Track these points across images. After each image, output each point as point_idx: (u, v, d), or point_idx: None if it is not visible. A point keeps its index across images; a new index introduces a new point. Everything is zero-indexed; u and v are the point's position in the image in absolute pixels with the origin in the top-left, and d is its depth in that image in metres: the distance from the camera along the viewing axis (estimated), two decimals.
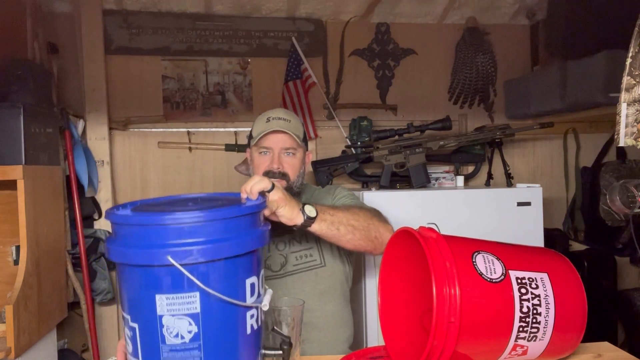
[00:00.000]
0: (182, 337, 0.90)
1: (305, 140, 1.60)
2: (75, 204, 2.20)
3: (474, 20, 2.73)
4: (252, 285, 0.96)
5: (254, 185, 1.09)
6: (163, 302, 0.89)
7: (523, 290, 1.03)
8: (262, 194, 1.10)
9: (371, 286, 2.09)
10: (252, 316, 0.96)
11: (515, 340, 1.03)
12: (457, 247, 1.05)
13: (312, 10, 2.60)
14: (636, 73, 1.11)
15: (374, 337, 2.07)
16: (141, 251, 0.89)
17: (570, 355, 1.16)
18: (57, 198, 2.02)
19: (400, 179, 2.36)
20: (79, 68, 2.43)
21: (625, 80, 1.12)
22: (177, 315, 0.89)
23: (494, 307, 1.02)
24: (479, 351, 1.02)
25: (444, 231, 1.14)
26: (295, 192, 1.54)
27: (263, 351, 1.03)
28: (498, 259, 1.06)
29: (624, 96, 1.13)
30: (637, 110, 1.12)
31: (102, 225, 2.40)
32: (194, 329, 0.90)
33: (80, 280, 2.19)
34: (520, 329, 1.02)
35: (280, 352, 1.05)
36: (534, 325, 1.03)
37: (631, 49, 1.12)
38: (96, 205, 2.40)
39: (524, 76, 2.71)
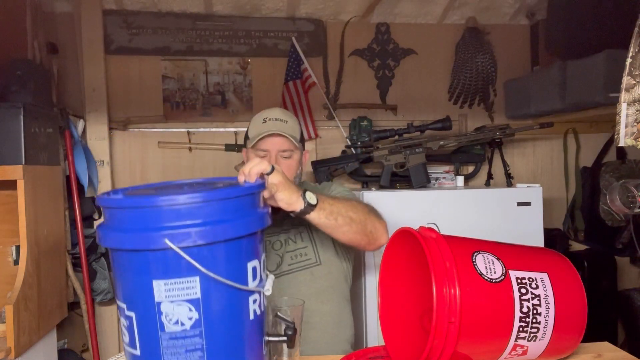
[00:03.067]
0: (183, 324, 0.87)
1: (302, 140, 1.60)
2: (75, 204, 2.20)
3: (474, 20, 2.73)
4: (254, 269, 0.93)
5: (253, 168, 1.07)
6: (161, 288, 0.86)
7: (523, 290, 1.03)
8: (261, 176, 1.08)
9: (371, 286, 2.09)
10: (254, 301, 0.93)
11: (515, 340, 1.03)
12: (457, 247, 1.05)
13: (312, 10, 2.60)
14: (636, 73, 1.11)
15: (374, 337, 2.07)
16: (136, 235, 0.85)
17: (570, 355, 1.16)
18: (57, 198, 2.02)
19: (400, 179, 2.36)
20: (79, 68, 2.43)
21: (625, 80, 1.12)
22: (177, 301, 0.86)
23: (494, 307, 1.02)
24: (479, 351, 1.02)
25: (444, 231, 1.14)
26: None
27: (267, 338, 1.00)
28: (498, 259, 1.06)
29: (624, 96, 1.13)
30: (637, 110, 1.12)
31: None
32: (195, 315, 0.87)
33: (80, 280, 2.19)
34: (520, 329, 1.02)
35: (285, 338, 1.02)
36: (534, 325, 1.03)
37: (631, 49, 1.12)
38: (96, 205, 2.40)
39: (524, 76, 2.71)
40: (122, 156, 2.53)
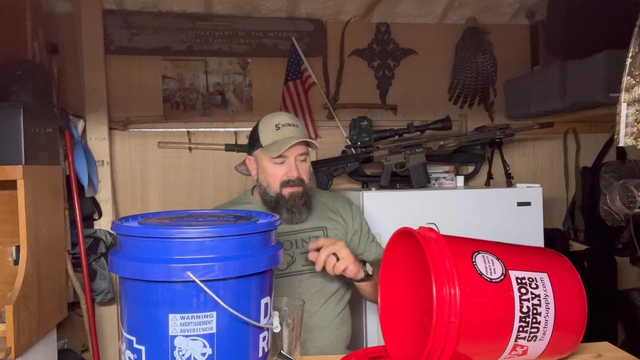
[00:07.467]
0: None
1: None
2: (75, 204, 2.20)
3: (474, 20, 2.73)
4: (266, 305, 0.94)
5: (325, 250, 1.33)
6: (177, 322, 0.84)
7: (523, 290, 1.03)
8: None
9: None
10: (264, 338, 0.93)
11: (515, 340, 1.03)
12: (457, 247, 1.05)
13: (312, 10, 2.60)
14: (636, 73, 1.11)
15: (374, 337, 2.07)
16: (158, 266, 0.83)
17: (570, 355, 1.16)
18: (57, 198, 2.02)
19: (400, 179, 2.36)
20: (79, 68, 2.43)
21: (625, 80, 1.12)
22: (191, 336, 0.84)
23: (493, 307, 1.02)
24: (479, 351, 1.02)
25: (444, 231, 1.14)
26: (309, 195, 1.56)
27: None
28: (498, 259, 1.06)
29: (624, 96, 1.13)
30: (637, 110, 1.12)
31: (102, 225, 2.40)
32: (208, 351, 0.84)
33: (80, 280, 2.19)
34: (520, 329, 1.02)
35: None
36: (534, 325, 1.03)
37: (631, 49, 1.12)
38: (96, 205, 2.40)
39: (524, 76, 2.70)
40: (122, 156, 2.53)
